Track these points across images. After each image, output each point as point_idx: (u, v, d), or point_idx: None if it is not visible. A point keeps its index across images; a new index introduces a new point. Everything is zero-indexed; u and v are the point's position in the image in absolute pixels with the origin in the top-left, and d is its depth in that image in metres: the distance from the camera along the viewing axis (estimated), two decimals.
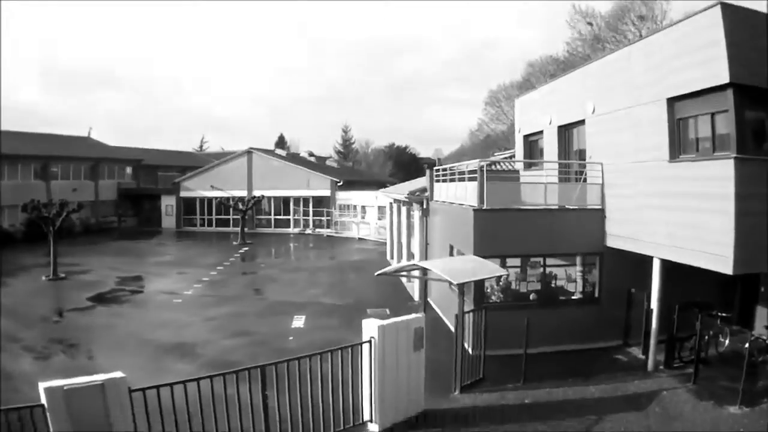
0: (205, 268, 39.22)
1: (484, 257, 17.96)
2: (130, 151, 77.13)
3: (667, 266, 17.14)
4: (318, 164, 74.04)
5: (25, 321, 25.17)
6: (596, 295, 20.40)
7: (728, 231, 14.03)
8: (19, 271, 37.63)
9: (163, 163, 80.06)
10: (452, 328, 18.85)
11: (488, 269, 16.67)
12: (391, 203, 40.64)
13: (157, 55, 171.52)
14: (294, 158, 73.49)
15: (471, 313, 16.82)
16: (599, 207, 20.06)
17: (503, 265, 19.44)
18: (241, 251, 48.98)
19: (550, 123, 24.46)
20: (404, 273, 17.27)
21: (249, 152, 66.84)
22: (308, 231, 63.57)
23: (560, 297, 20.56)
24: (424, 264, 17.16)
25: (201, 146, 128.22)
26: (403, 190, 33.36)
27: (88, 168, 65.81)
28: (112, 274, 36.79)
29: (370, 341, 13.63)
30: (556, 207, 20.25)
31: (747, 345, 15.16)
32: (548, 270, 20.27)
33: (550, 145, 24.56)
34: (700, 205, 15.10)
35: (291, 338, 22.27)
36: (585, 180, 20.51)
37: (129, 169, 73.05)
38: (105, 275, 36.55)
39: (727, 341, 18.24)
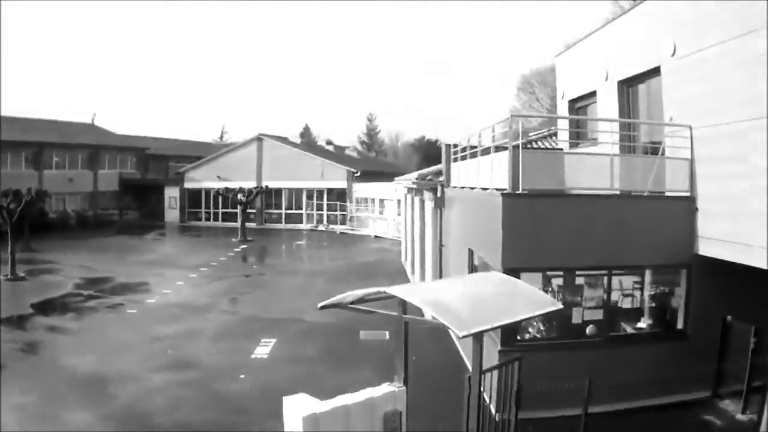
0: (186, 270, 33.32)
1: (517, 270, 11.70)
2: (137, 139, 71.20)
3: None
4: (335, 153, 67.86)
5: None
6: (680, 326, 13.83)
7: None
8: None
9: (176, 153, 73.92)
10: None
11: (525, 300, 9.58)
12: (405, 194, 34.36)
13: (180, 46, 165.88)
14: (309, 146, 67.80)
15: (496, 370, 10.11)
16: (687, 194, 13.45)
17: (548, 285, 13.11)
18: (237, 249, 43.01)
19: (606, 79, 17.75)
20: (366, 308, 9.66)
21: (259, 139, 61.02)
22: (321, 227, 57.31)
23: (625, 329, 14.01)
24: (398, 292, 8.85)
25: (221, 136, 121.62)
26: (415, 175, 26.78)
27: (87, 156, 60.28)
28: (77, 275, 31.10)
29: None
30: (625, 193, 13.75)
31: None
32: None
33: (606, 110, 17.74)
34: None
35: (243, 377, 16.10)
36: (662, 153, 13.89)
37: (133, 159, 67.36)
38: (70, 276, 30.94)
39: None
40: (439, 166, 22.43)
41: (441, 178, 21.44)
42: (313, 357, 17.72)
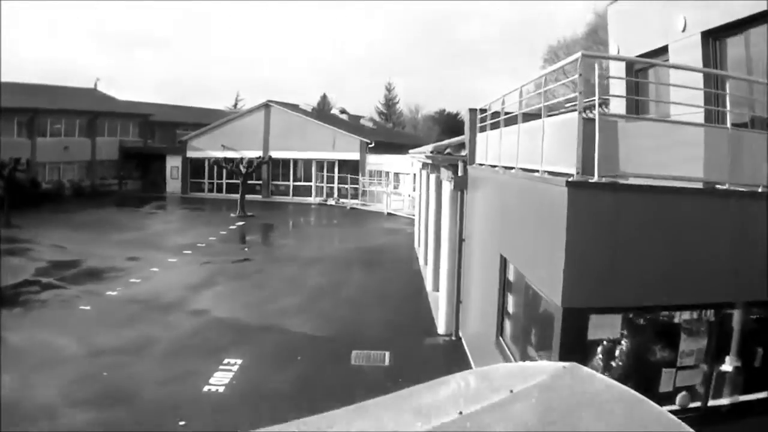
0: (168, 252, 29.32)
1: (584, 312, 7.41)
2: (141, 105, 66.54)
3: None
4: (349, 123, 63.12)
5: None
6: None
7: None
8: None
9: (184, 121, 68.75)
10: None
11: None
12: (420, 170, 29.87)
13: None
14: (321, 115, 63.07)
15: None
16: None
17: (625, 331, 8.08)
18: (233, 227, 38.98)
19: (683, 29, 13.06)
20: None
21: (267, 106, 56.95)
22: (331, 201, 53.20)
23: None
24: None
25: (235, 104, 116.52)
26: (430, 148, 21.93)
27: (85, 123, 56.32)
28: (46, 257, 27.39)
29: None
30: (746, 189, 8.57)
31: None
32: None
33: (682, 72, 12.25)
34: None
35: (182, 423, 11.84)
36: None
37: (135, 126, 63.13)
38: (37, 258, 27.28)
39: None
40: (460, 138, 17.91)
41: (463, 153, 16.77)
42: (285, 390, 13.28)
